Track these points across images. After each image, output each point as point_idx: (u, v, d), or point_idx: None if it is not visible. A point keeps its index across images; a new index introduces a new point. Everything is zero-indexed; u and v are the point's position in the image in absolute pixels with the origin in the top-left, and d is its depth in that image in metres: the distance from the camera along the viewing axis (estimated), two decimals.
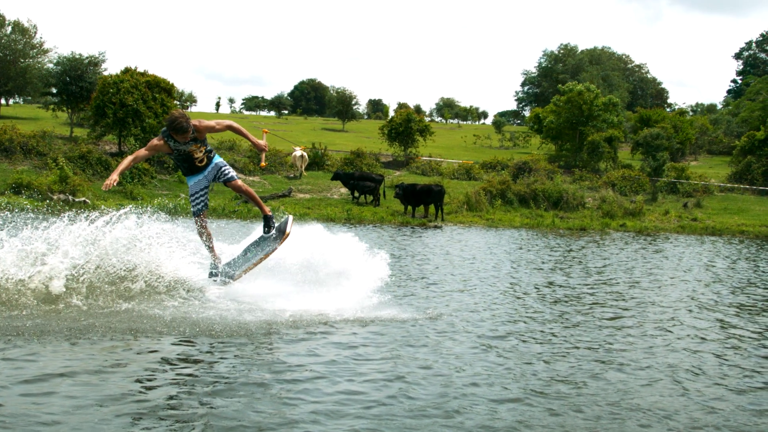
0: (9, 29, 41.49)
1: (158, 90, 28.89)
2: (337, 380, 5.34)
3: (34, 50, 42.29)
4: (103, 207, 8.53)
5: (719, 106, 73.48)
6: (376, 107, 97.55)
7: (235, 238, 9.63)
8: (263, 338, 6.43)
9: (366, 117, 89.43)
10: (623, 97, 65.92)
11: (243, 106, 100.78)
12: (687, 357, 6.71)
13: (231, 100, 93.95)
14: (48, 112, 39.59)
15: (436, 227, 21.65)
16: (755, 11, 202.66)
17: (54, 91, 36.95)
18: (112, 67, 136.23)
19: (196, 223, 7.88)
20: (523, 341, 6.98)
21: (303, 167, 30.58)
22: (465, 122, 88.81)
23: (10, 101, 54.36)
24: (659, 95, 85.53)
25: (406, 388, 5.27)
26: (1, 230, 7.53)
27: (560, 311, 8.69)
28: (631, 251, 17.11)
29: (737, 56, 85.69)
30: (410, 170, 34.89)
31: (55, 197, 21.10)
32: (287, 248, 8.03)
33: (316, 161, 32.42)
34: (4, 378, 4.92)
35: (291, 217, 8.10)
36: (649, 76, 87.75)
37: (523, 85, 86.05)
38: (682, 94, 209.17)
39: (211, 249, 8.01)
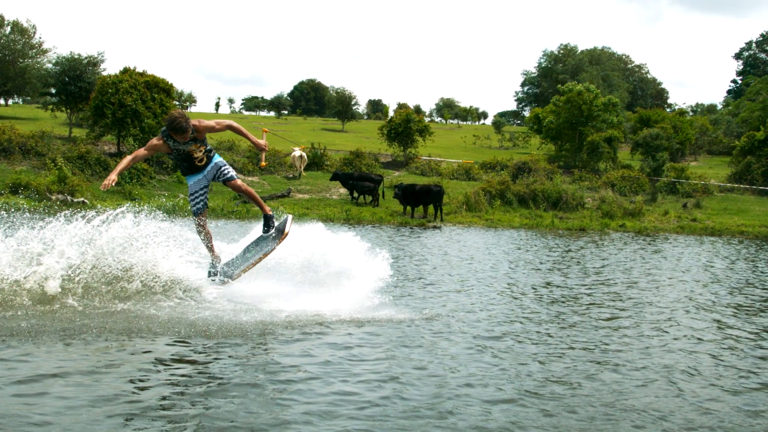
0: (8, 29, 41.56)
1: (157, 90, 28.89)
2: (330, 381, 5.33)
3: (33, 50, 42.37)
4: (99, 206, 8.52)
5: (719, 107, 73.46)
6: (376, 107, 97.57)
7: (233, 237, 9.62)
8: (258, 339, 6.41)
9: (366, 117, 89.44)
10: (623, 98, 65.90)
11: (243, 106, 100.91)
12: (683, 358, 6.69)
13: (231, 101, 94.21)
14: (47, 112, 39.60)
15: (435, 228, 21.64)
16: (755, 11, 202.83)
17: (53, 91, 36.97)
18: (111, 68, 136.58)
19: (196, 223, 7.87)
20: (519, 342, 6.97)
21: (302, 167, 30.57)
22: (465, 122, 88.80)
23: (9, 101, 54.46)
24: (659, 95, 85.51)
25: (400, 388, 5.26)
26: None
27: (557, 312, 8.67)
28: (629, 251, 17.10)
29: (737, 56, 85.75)
30: (409, 170, 34.88)
31: (53, 197, 21.09)
32: (288, 248, 8.02)
33: (315, 161, 32.40)
34: None
35: (290, 217, 8.09)
36: (649, 76, 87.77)
37: (522, 85, 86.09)
38: (682, 95, 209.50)
39: (210, 248, 8.00)
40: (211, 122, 7.71)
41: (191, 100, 73.67)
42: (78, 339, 5.98)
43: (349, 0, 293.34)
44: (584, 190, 29.93)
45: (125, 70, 29.41)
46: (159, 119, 27.53)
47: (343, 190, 28.09)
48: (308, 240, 8.31)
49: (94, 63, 35.24)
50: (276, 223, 8.09)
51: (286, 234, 7.84)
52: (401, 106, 68.71)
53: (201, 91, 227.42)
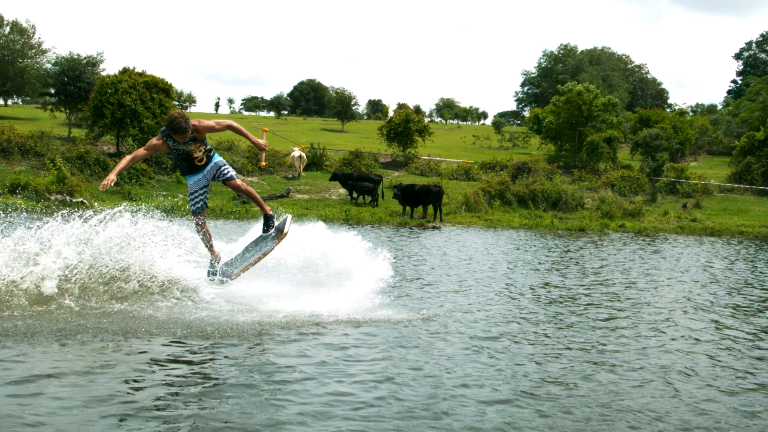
0: (7, 29, 41.53)
1: (156, 90, 28.86)
2: (326, 381, 5.32)
3: (33, 50, 42.34)
4: (96, 206, 8.51)
5: (719, 107, 73.42)
6: (376, 108, 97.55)
7: (233, 237, 9.61)
8: (255, 339, 6.40)
9: (365, 117, 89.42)
10: (623, 98, 65.90)
11: (242, 106, 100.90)
12: (680, 358, 6.68)
13: (230, 101, 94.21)
14: (46, 112, 39.57)
15: (434, 228, 21.63)
16: (755, 11, 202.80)
17: (52, 91, 36.93)
18: (110, 68, 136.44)
19: (195, 222, 7.87)
20: (516, 342, 6.96)
21: (301, 168, 30.55)
22: (465, 123, 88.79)
23: (9, 101, 54.44)
24: (659, 95, 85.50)
25: (395, 389, 5.25)
26: None
27: (555, 312, 8.66)
28: (629, 252, 17.08)
29: (737, 56, 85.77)
30: (409, 171, 34.86)
31: (52, 198, 21.08)
32: (288, 247, 8.01)
33: (314, 162, 32.38)
34: None
35: (290, 217, 8.09)
36: (649, 76, 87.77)
37: (522, 85, 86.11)
38: (682, 95, 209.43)
39: (210, 248, 8.00)
40: (211, 122, 7.71)
41: (191, 100, 73.68)
42: (74, 339, 5.97)
43: (349, 0, 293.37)
44: (584, 191, 29.91)
45: (124, 71, 29.39)
46: (158, 119, 27.51)
47: (343, 191, 28.07)
48: (309, 239, 8.30)
49: (93, 63, 35.21)
50: (276, 223, 8.09)
51: (285, 234, 7.84)
52: (401, 107, 68.69)
53: (201, 91, 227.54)
